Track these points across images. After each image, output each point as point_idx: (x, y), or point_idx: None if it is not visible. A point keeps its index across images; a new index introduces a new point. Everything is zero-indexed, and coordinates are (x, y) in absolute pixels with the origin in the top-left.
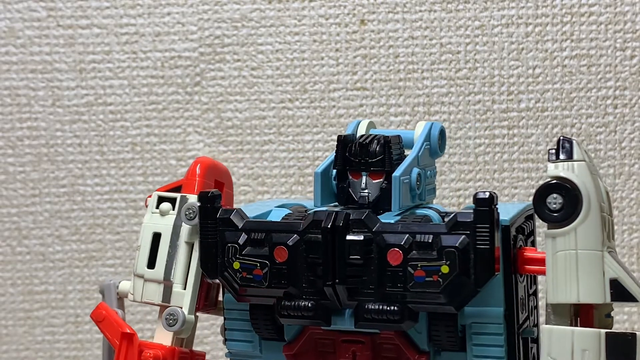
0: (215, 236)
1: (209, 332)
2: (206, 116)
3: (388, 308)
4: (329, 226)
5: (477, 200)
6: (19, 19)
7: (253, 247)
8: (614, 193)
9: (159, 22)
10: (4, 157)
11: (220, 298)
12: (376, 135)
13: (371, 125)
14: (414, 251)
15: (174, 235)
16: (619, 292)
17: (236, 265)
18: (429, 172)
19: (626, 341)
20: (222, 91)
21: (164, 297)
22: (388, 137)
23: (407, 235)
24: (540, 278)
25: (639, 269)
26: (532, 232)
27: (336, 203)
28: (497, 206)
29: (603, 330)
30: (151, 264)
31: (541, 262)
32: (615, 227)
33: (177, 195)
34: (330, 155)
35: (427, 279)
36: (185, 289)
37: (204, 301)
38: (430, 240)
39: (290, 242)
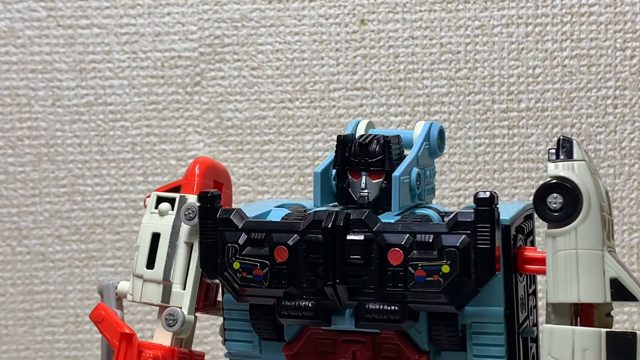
0: (215, 236)
1: (209, 332)
2: (206, 116)
3: (388, 308)
4: (329, 226)
5: (477, 199)
6: (19, 19)
7: (253, 247)
8: (614, 193)
9: (159, 22)
10: (4, 157)
11: (219, 298)
12: (376, 135)
13: (370, 125)
14: (414, 251)
15: (173, 236)
16: (619, 292)
17: (236, 265)
18: (428, 172)
19: (627, 340)
20: (222, 91)
21: (163, 297)
22: (388, 137)
23: (408, 235)
24: (539, 278)
25: (639, 268)
26: (531, 232)
27: (336, 203)
28: (497, 206)
29: (603, 330)
30: (150, 264)
31: (541, 261)
32: (615, 227)
33: (176, 196)
34: (330, 155)
35: (427, 278)
36: (184, 289)
37: (204, 301)
38: (430, 240)
39: (290, 242)
